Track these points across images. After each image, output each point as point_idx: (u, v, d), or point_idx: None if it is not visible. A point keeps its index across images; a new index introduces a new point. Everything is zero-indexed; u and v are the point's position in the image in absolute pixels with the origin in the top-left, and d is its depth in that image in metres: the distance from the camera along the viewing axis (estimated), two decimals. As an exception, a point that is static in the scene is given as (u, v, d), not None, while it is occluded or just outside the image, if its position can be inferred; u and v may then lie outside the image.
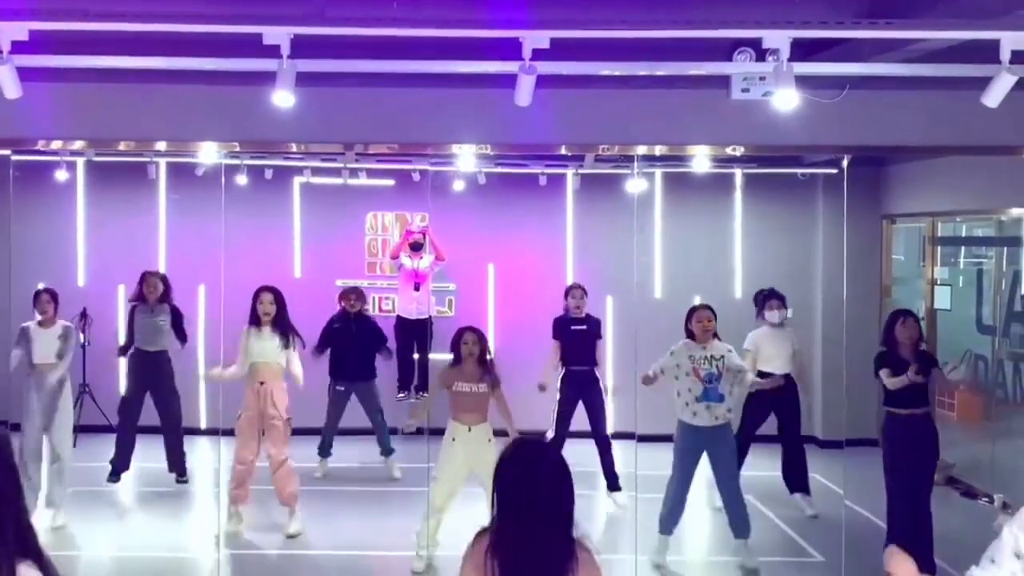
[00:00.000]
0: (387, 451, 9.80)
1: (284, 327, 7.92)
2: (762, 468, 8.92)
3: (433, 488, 7.21)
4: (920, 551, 6.71)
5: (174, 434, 9.17)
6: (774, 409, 8.73)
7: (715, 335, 7.42)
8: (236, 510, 7.96)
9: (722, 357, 7.31)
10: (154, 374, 9.05)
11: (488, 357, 7.25)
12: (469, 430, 7.09)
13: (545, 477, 2.94)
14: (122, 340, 9.49)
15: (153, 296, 9.05)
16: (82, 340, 9.25)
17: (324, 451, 9.77)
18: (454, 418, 7.18)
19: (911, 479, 6.96)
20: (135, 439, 9.11)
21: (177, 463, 9.17)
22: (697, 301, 10.93)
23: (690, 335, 7.43)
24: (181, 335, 9.19)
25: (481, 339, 7.21)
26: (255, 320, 7.94)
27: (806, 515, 8.62)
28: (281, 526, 8.04)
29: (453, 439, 7.14)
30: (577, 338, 8.86)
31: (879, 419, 7.18)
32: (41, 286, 8.48)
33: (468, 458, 7.09)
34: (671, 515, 7.39)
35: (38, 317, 8.24)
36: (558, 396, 8.95)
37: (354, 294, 9.93)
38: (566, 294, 9.13)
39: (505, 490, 2.96)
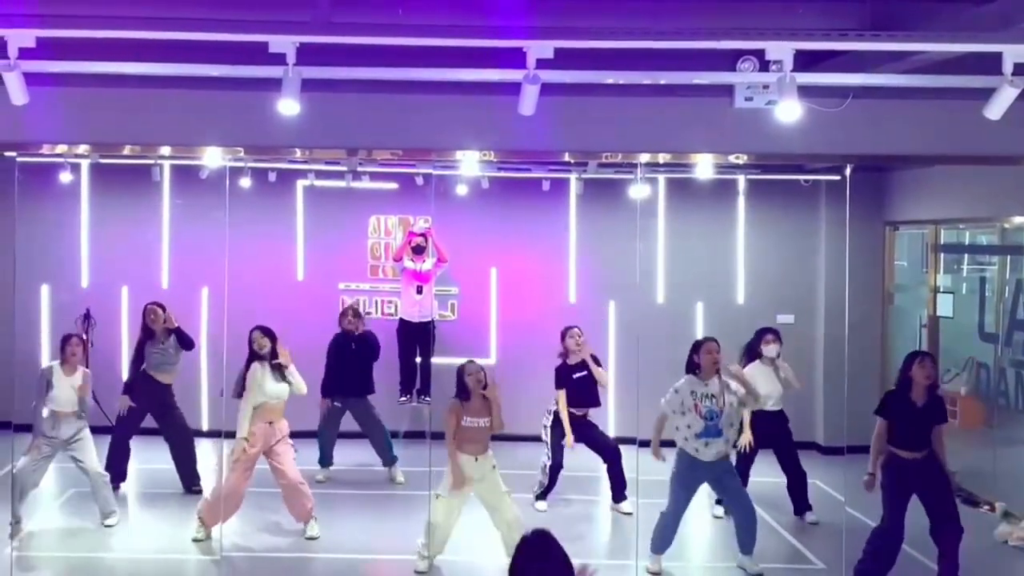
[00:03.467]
0: (389, 461, 9.77)
1: (278, 366, 7.94)
2: (762, 475, 8.92)
3: (435, 504, 7.30)
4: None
5: (187, 457, 9.25)
6: (770, 446, 8.71)
7: (718, 370, 7.34)
8: (204, 525, 7.88)
9: (720, 395, 7.23)
10: (159, 403, 9.12)
11: (486, 389, 7.33)
12: (476, 460, 7.25)
13: (554, 564, 3.26)
14: (126, 373, 9.49)
15: (158, 326, 9.10)
16: (85, 339, 9.25)
17: (324, 462, 9.76)
18: (459, 449, 7.27)
19: (931, 511, 6.92)
20: (128, 455, 9.19)
21: (188, 479, 9.24)
22: (700, 307, 11.10)
23: (693, 367, 7.33)
24: (187, 343, 9.20)
25: (484, 372, 7.35)
26: (257, 356, 7.94)
27: (807, 522, 8.66)
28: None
29: (460, 467, 7.24)
30: (578, 384, 8.84)
31: (875, 461, 7.14)
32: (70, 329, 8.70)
33: (472, 484, 7.28)
34: (662, 538, 7.38)
35: (60, 359, 8.18)
36: (548, 433, 8.91)
37: (351, 312, 9.85)
38: (563, 336, 8.98)
39: None
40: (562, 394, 8.82)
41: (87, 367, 8.32)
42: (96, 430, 8.58)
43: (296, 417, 8.91)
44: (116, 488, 9.00)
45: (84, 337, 8.49)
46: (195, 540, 7.85)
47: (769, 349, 8.61)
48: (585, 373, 8.85)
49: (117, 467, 9.10)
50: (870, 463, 7.00)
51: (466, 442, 7.25)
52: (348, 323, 9.74)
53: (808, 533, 8.40)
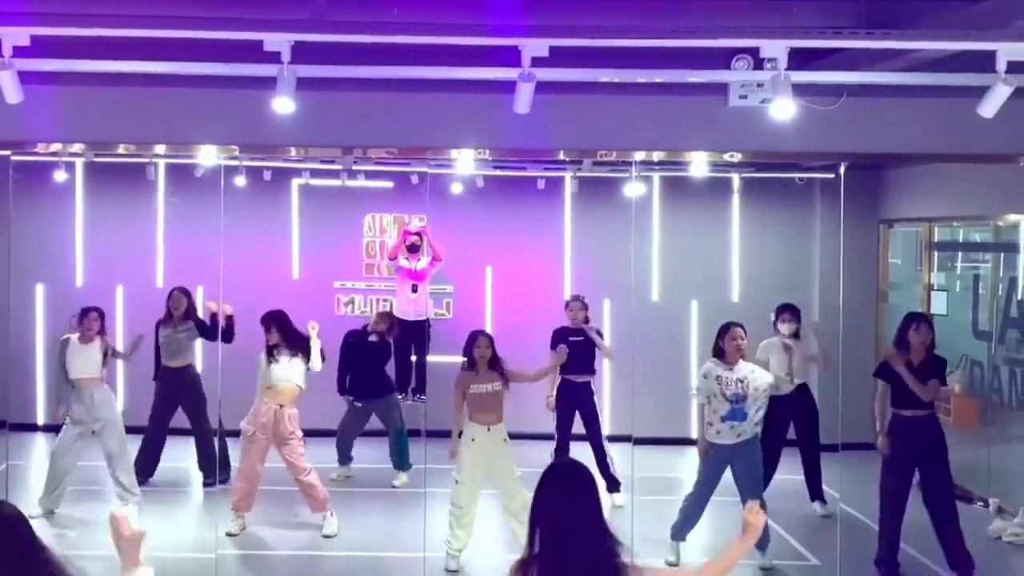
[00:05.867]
0: (402, 467, 9.65)
1: (299, 349, 8.01)
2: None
3: (455, 490, 7.33)
4: (954, 550, 6.82)
5: (205, 442, 9.24)
6: (792, 418, 8.77)
7: (742, 355, 7.41)
8: (239, 516, 8.01)
9: (745, 379, 7.29)
10: (182, 389, 9.19)
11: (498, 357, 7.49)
12: (488, 430, 7.29)
13: (584, 495, 2.97)
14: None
15: (178, 312, 9.18)
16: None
17: (342, 460, 9.74)
18: (471, 419, 7.35)
19: (925, 480, 7.09)
20: (161, 449, 9.27)
21: (207, 467, 9.25)
22: (694, 305, 11.10)
23: (718, 352, 7.41)
24: (227, 336, 8.86)
25: (492, 342, 7.47)
26: (278, 348, 8.01)
27: (819, 514, 8.70)
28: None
29: (472, 439, 7.31)
30: (574, 349, 8.84)
31: (882, 421, 7.24)
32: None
33: (485, 457, 7.29)
34: (684, 524, 7.46)
35: (77, 333, 8.38)
36: (555, 405, 9.00)
37: (388, 320, 9.82)
38: (566, 306, 9.14)
39: (547, 514, 2.96)
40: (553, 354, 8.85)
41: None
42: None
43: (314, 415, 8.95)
44: (144, 481, 9.01)
45: (103, 312, 8.60)
46: (229, 534, 7.88)
47: (784, 327, 8.75)
48: (582, 339, 8.90)
49: (145, 463, 9.16)
50: (876, 423, 7.24)
51: (477, 411, 7.30)
52: (375, 324, 9.72)
53: (803, 530, 8.41)
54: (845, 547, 7.36)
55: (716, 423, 7.28)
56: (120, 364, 9.86)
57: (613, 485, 8.93)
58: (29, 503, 8.37)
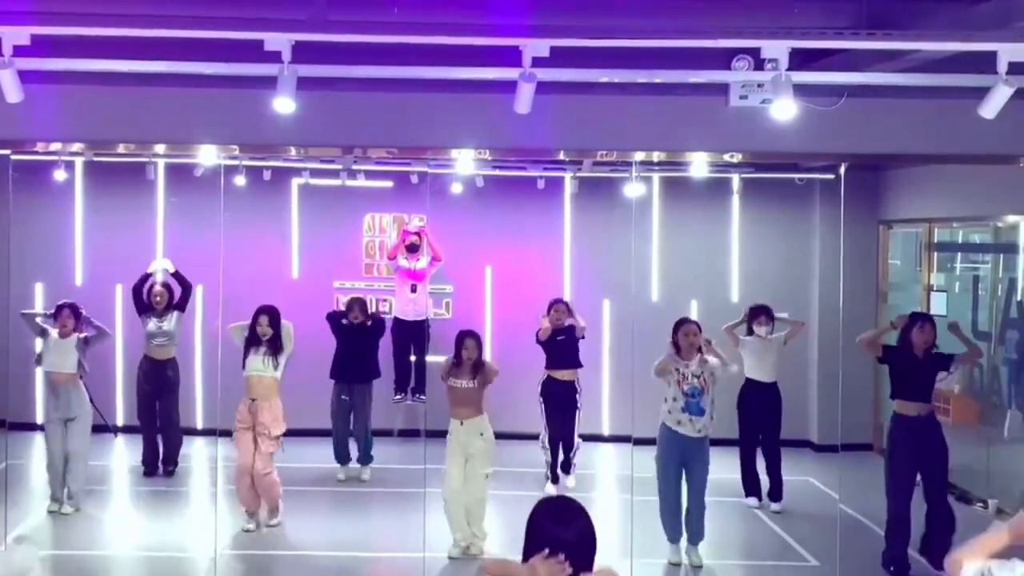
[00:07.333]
0: (366, 459, 9.79)
1: (276, 349, 7.98)
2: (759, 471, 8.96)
3: (443, 484, 7.54)
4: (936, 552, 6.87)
5: (172, 435, 9.62)
6: (760, 418, 8.89)
7: (699, 349, 7.49)
8: (250, 513, 8.04)
9: (701, 373, 7.41)
10: (161, 383, 9.51)
11: (483, 360, 7.74)
12: (461, 423, 7.53)
13: (577, 534, 3.02)
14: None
15: (160, 306, 9.50)
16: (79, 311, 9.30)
17: (341, 459, 9.76)
18: (450, 414, 7.62)
19: (924, 480, 7.18)
20: (157, 441, 9.57)
21: (170, 458, 9.58)
22: (694, 305, 11.10)
23: (676, 348, 7.52)
24: (186, 285, 9.60)
25: (479, 344, 7.72)
26: (255, 340, 8.00)
27: (772, 510, 8.84)
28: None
29: (450, 434, 7.58)
30: (560, 346, 9.26)
31: (887, 422, 7.34)
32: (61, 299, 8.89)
33: (463, 448, 7.51)
34: (671, 524, 7.55)
35: (56, 329, 8.48)
36: (542, 403, 9.35)
37: (357, 306, 9.86)
38: (549, 309, 9.43)
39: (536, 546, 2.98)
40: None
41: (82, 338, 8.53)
42: (92, 428, 8.63)
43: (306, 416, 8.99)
44: (151, 474, 9.42)
45: (79, 309, 8.63)
46: (245, 530, 7.94)
47: (761, 329, 8.98)
48: (564, 338, 9.25)
49: (150, 457, 9.48)
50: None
51: (455, 405, 7.57)
52: (354, 317, 9.77)
53: (802, 530, 8.41)
54: (844, 547, 7.36)
55: (676, 412, 7.39)
56: (121, 364, 9.93)
57: (568, 469, 9.31)
58: (28, 502, 8.38)
